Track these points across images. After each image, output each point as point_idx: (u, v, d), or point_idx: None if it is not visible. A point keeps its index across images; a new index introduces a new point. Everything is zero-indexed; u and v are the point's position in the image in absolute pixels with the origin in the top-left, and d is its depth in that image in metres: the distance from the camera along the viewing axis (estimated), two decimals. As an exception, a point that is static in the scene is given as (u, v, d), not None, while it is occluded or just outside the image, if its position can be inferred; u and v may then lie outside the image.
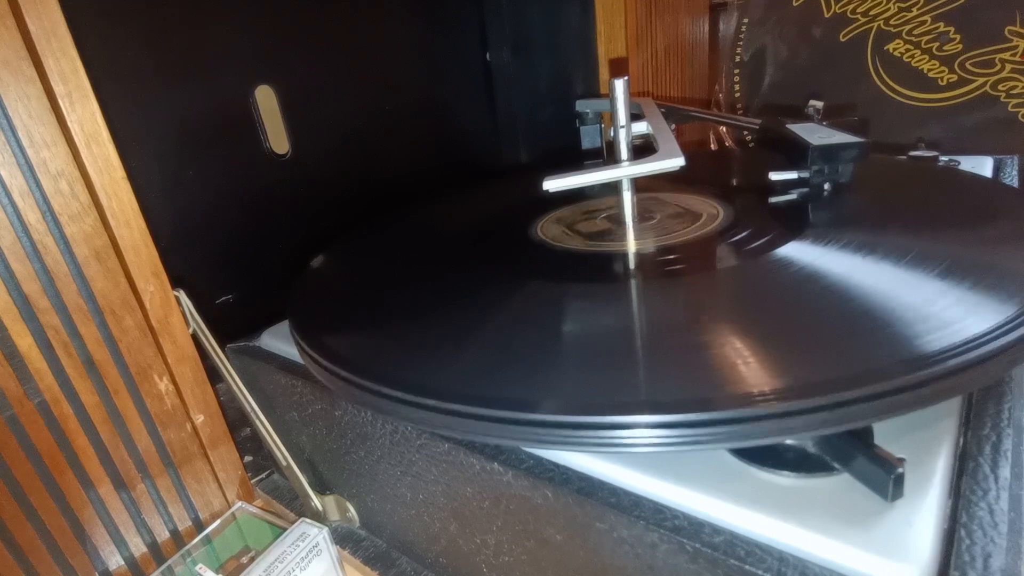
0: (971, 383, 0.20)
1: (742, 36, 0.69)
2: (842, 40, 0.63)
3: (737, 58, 0.70)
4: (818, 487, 0.19)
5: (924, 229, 0.30)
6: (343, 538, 0.35)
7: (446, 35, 0.57)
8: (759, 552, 0.18)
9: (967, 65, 0.57)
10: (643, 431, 0.19)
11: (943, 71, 0.58)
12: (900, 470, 0.18)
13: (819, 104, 0.50)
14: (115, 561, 0.34)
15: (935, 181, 0.39)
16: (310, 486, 0.35)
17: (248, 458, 0.41)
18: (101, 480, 0.33)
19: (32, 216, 0.30)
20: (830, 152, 0.35)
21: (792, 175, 0.37)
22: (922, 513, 0.18)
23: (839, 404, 0.18)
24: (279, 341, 0.36)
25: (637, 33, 0.60)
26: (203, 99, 0.41)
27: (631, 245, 0.34)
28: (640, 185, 0.36)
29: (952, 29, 0.57)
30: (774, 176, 0.38)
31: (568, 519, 0.22)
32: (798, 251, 0.29)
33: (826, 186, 0.36)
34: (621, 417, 0.19)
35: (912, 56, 0.59)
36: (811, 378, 0.19)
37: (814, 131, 0.38)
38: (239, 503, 0.39)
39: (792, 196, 0.37)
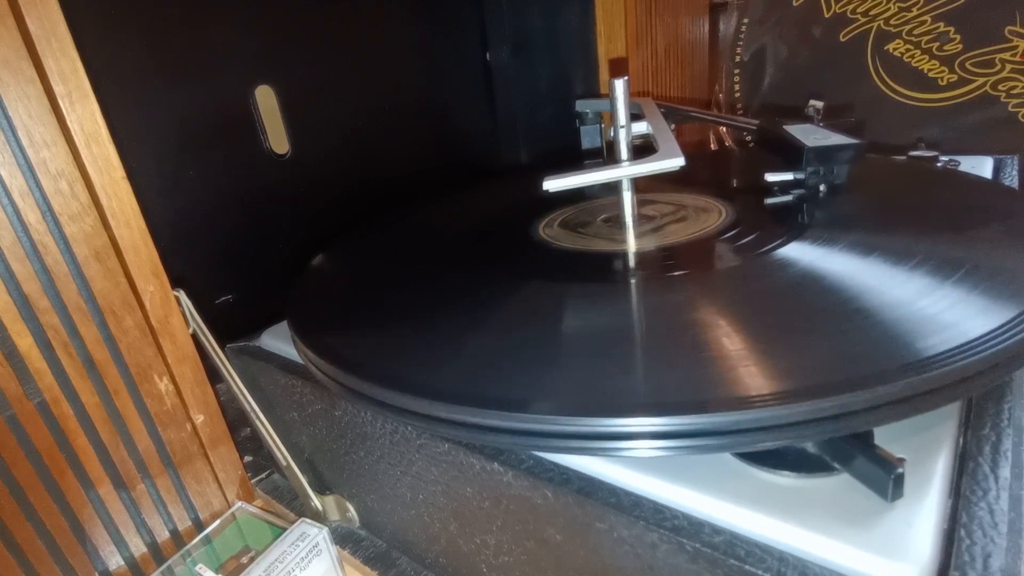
0: (973, 387, 0.20)
1: (742, 36, 0.69)
2: (842, 40, 0.63)
3: (737, 58, 0.70)
4: (818, 487, 0.19)
5: (922, 230, 0.30)
6: (343, 538, 0.35)
7: (446, 35, 0.57)
8: (759, 552, 0.18)
9: (967, 65, 0.57)
10: (645, 431, 0.19)
11: (943, 71, 0.58)
12: (900, 470, 0.18)
13: (819, 104, 0.50)
14: (115, 561, 0.34)
15: (933, 181, 0.39)
16: (310, 486, 0.35)
17: (248, 458, 0.41)
18: (101, 480, 0.33)
19: (32, 216, 0.30)
20: (825, 153, 0.35)
21: (788, 176, 0.37)
22: (922, 513, 0.18)
23: (844, 408, 0.18)
24: (279, 341, 0.36)
25: (637, 33, 0.60)
26: (203, 99, 0.40)
27: (631, 245, 0.34)
28: (640, 185, 0.36)
29: (952, 29, 0.57)
30: (770, 177, 0.38)
31: (568, 519, 0.22)
32: (795, 252, 0.29)
33: (822, 187, 0.36)
34: (623, 420, 0.19)
35: (912, 56, 0.59)
36: (816, 381, 0.19)
37: (810, 132, 0.38)
38: (239, 503, 0.39)
39: (789, 197, 0.37)
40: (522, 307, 0.29)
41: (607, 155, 0.52)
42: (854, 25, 0.62)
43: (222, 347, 0.36)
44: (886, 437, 0.20)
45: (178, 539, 0.37)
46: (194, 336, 0.36)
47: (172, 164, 0.40)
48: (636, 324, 0.26)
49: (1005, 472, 0.20)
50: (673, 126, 0.38)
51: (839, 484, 0.19)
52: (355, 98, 0.50)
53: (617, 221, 0.37)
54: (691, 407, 0.19)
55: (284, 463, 0.35)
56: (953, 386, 0.19)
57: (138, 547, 0.35)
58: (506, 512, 0.24)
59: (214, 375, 0.37)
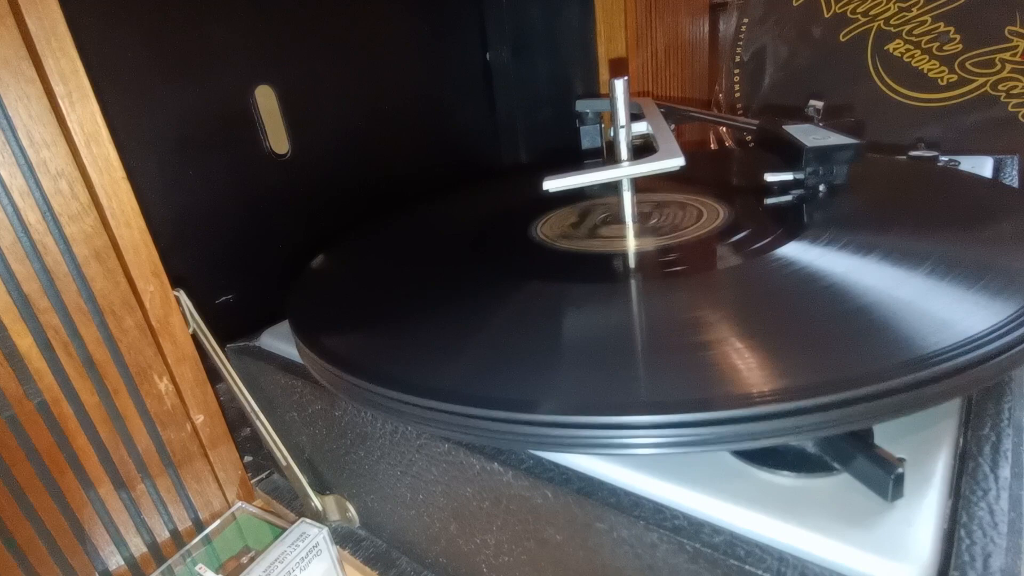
0: (973, 383, 0.20)
1: (742, 36, 0.69)
2: (842, 40, 0.63)
3: (737, 58, 0.70)
4: (818, 487, 0.19)
5: (922, 229, 0.30)
6: (343, 538, 0.35)
7: (446, 35, 0.57)
8: (759, 552, 0.18)
9: (967, 65, 0.57)
10: (644, 431, 0.19)
11: (943, 71, 0.58)
12: (900, 470, 0.18)
13: (819, 104, 0.50)
14: (115, 561, 0.34)
15: (933, 181, 0.39)
16: (310, 486, 0.35)
17: (248, 458, 0.41)
18: (101, 480, 0.33)
19: (32, 216, 0.30)
20: (824, 154, 0.35)
21: (788, 176, 0.37)
22: (922, 513, 0.18)
23: (842, 405, 0.18)
24: (279, 341, 0.36)
25: (637, 33, 0.60)
26: (203, 99, 0.41)
27: (631, 245, 0.34)
28: (640, 185, 0.36)
29: (952, 29, 0.57)
30: (770, 177, 0.38)
31: (568, 519, 0.22)
32: (794, 252, 0.29)
33: (821, 187, 0.36)
34: (622, 418, 0.19)
35: (912, 56, 0.59)
36: (813, 379, 0.19)
37: (810, 132, 0.38)
38: (239, 503, 0.39)
39: (788, 197, 0.37)
40: (522, 307, 0.29)
41: (607, 155, 0.52)
42: (854, 25, 0.62)
43: (222, 347, 0.36)
44: (886, 437, 0.20)
45: (178, 539, 0.37)
46: (194, 336, 0.36)
47: (172, 164, 0.40)
48: (636, 323, 0.26)
49: (1005, 472, 0.20)
50: (673, 126, 0.38)
51: (839, 484, 0.19)
52: (355, 98, 0.50)
53: (617, 221, 0.37)
54: (690, 405, 0.19)
55: (284, 463, 0.35)
56: (953, 382, 0.19)
57: (138, 547, 0.35)
58: (506, 512, 0.24)
59: (214, 375, 0.37)
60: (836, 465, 0.20)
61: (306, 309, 0.34)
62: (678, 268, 0.30)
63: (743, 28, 0.69)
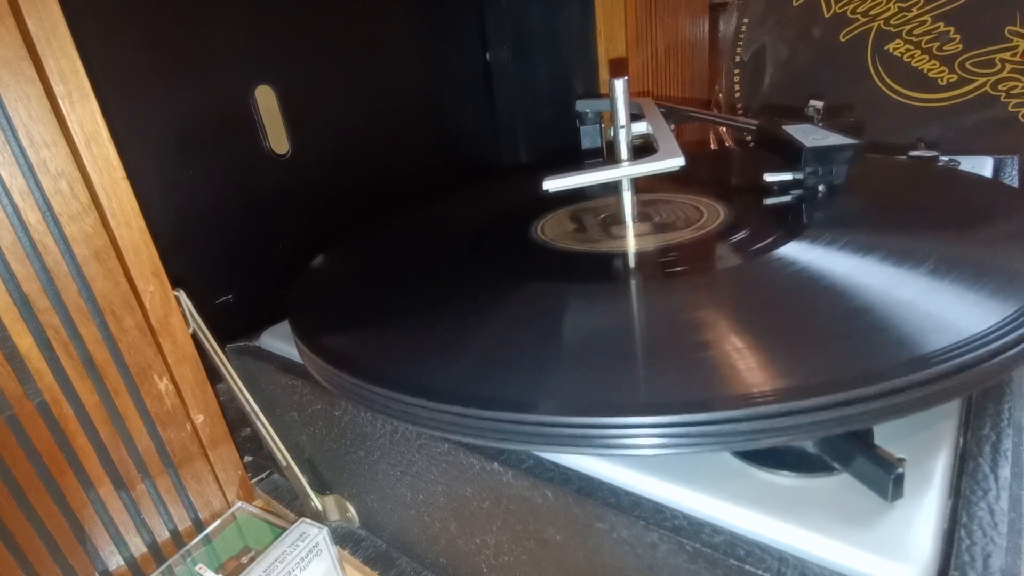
0: (974, 383, 0.20)
1: (742, 36, 0.69)
2: (842, 40, 0.63)
3: (737, 58, 0.70)
4: (818, 487, 0.19)
5: (922, 229, 0.30)
6: (343, 538, 0.35)
7: (446, 35, 0.57)
8: (759, 552, 0.18)
9: (967, 65, 0.57)
10: (644, 431, 0.19)
11: (943, 71, 0.58)
12: (900, 470, 0.18)
13: (819, 104, 0.50)
14: (115, 561, 0.34)
15: (933, 181, 0.39)
16: (310, 486, 0.35)
17: (248, 458, 0.41)
18: (101, 480, 0.33)
19: (32, 216, 0.30)
20: (824, 154, 0.35)
21: (787, 176, 0.37)
22: (922, 513, 0.18)
23: (843, 405, 0.18)
24: (279, 341, 0.36)
25: (637, 33, 0.60)
26: (203, 99, 0.41)
27: (631, 245, 0.34)
28: (640, 185, 0.36)
29: (952, 29, 0.57)
30: (769, 177, 0.38)
31: (568, 519, 0.22)
32: (794, 252, 0.29)
33: (820, 187, 0.36)
34: (622, 419, 0.19)
35: (912, 56, 0.59)
36: (814, 380, 0.19)
37: (809, 132, 0.38)
38: (239, 503, 0.39)
39: (788, 197, 0.37)
40: (522, 307, 0.29)
41: (607, 155, 0.52)
42: (854, 25, 0.62)
43: (222, 347, 0.36)
44: (886, 437, 0.20)
45: (178, 539, 0.37)
46: (194, 336, 0.36)
47: (172, 164, 0.40)
48: (636, 324, 0.26)
49: (1005, 472, 0.20)
50: (673, 126, 0.38)
51: (839, 484, 0.19)
52: (355, 98, 0.50)
53: (617, 221, 0.37)
54: (690, 406, 0.19)
55: (284, 463, 0.35)
56: (953, 383, 0.19)
57: (138, 547, 0.35)
58: (506, 512, 0.24)
59: (214, 375, 0.37)
60: (836, 465, 0.20)
61: (306, 309, 0.34)
62: (678, 268, 0.30)
63: (743, 28, 0.69)
